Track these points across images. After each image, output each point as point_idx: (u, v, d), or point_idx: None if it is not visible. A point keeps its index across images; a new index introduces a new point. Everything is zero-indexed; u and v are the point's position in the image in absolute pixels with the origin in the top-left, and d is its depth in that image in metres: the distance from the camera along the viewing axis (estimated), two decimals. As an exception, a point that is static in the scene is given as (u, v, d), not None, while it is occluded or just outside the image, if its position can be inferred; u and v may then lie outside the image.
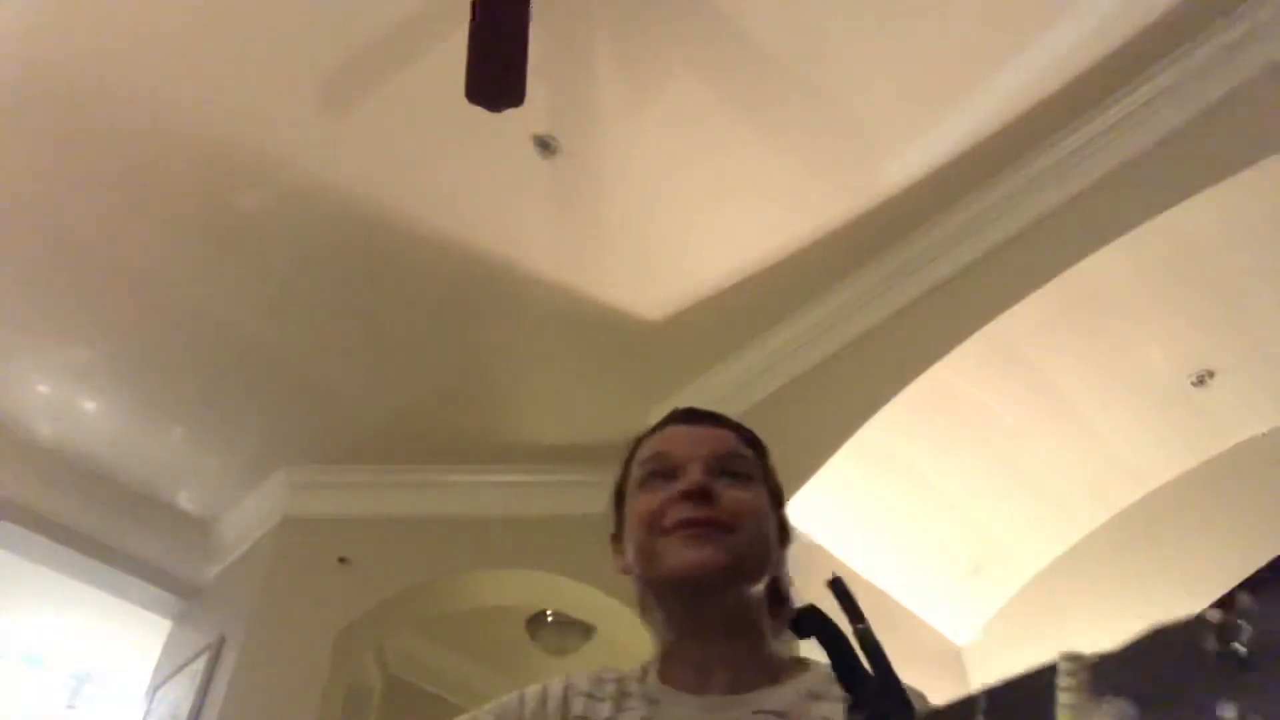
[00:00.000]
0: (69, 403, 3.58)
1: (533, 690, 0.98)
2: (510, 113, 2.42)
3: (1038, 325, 2.87)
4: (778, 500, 1.05)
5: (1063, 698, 0.35)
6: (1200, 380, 3.05)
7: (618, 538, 1.05)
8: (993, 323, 2.85)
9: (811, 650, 0.53)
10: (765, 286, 3.21)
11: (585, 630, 4.00)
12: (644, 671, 0.98)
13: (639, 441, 1.08)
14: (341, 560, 3.61)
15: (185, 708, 3.43)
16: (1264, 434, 3.18)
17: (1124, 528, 3.41)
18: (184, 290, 3.21)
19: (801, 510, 3.07)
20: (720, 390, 3.46)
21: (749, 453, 1.04)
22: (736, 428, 1.08)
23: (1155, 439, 3.24)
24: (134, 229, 3.04)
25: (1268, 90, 2.53)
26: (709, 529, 0.93)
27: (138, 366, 3.46)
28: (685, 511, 0.94)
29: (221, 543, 4.04)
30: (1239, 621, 0.32)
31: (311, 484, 3.80)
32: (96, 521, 3.81)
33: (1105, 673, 0.35)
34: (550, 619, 4.04)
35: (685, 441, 1.02)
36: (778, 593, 1.00)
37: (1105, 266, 2.73)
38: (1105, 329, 2.93)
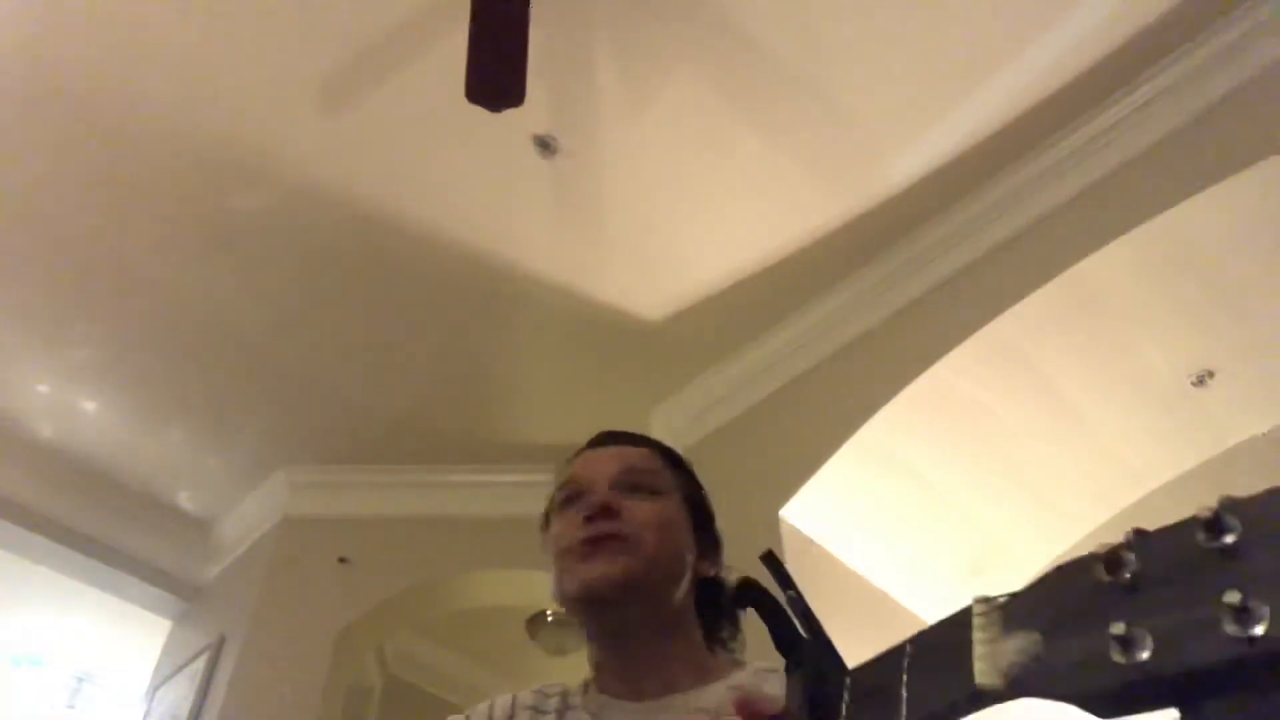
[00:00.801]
0: (69, 403, 3.58)
1: (479, 708, 1.02)
2: (510, 113, 2.42)
3: (1038, 325, 2.87)
4: (701, 512, 1.07)
5: (977, 635, 0.39)
6: (1200, 380, 3.05)
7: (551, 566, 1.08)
8: (993, 323, 2.85)
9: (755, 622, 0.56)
10: (765, 286, 3.22)
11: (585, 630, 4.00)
12: (585, 686, 1.02)
13: (562, 471, 1.11)
14: (341, 560, 3.62)
15: (185, 708, 3.43)
16: (1264, 434, 3.18)
17: (1124, 528, 3.38)
18: (184, 290, 3.21)
19: (801, 510, 3.07)
20: (720, 390, 3.47)
21: (659, 466, 1.07)
22: (648, 443, 1.11)
23: (1155, 439, 3.24)
24: (134, 229, 3.04)
25: (1268, 90, 2.53)
26: (602, 543, 0.96)
27: (138, 366, 3.46)
28: (585, 530, 0.97)
29: (221, 543, 4.04)
30: (1124, 554, 0.36)
31: (311, 484, 3.80)
32: (96, 521, 3.81)
33: (1013, 610, 0.39)
34: (550, 619, 4.04)
35: (594, 463, 1.06)
36: (710, 597, 1.02)
37: (1105, 266, 2.73)
38: (1105, 329, 2.92)
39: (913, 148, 2.88)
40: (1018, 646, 0.37)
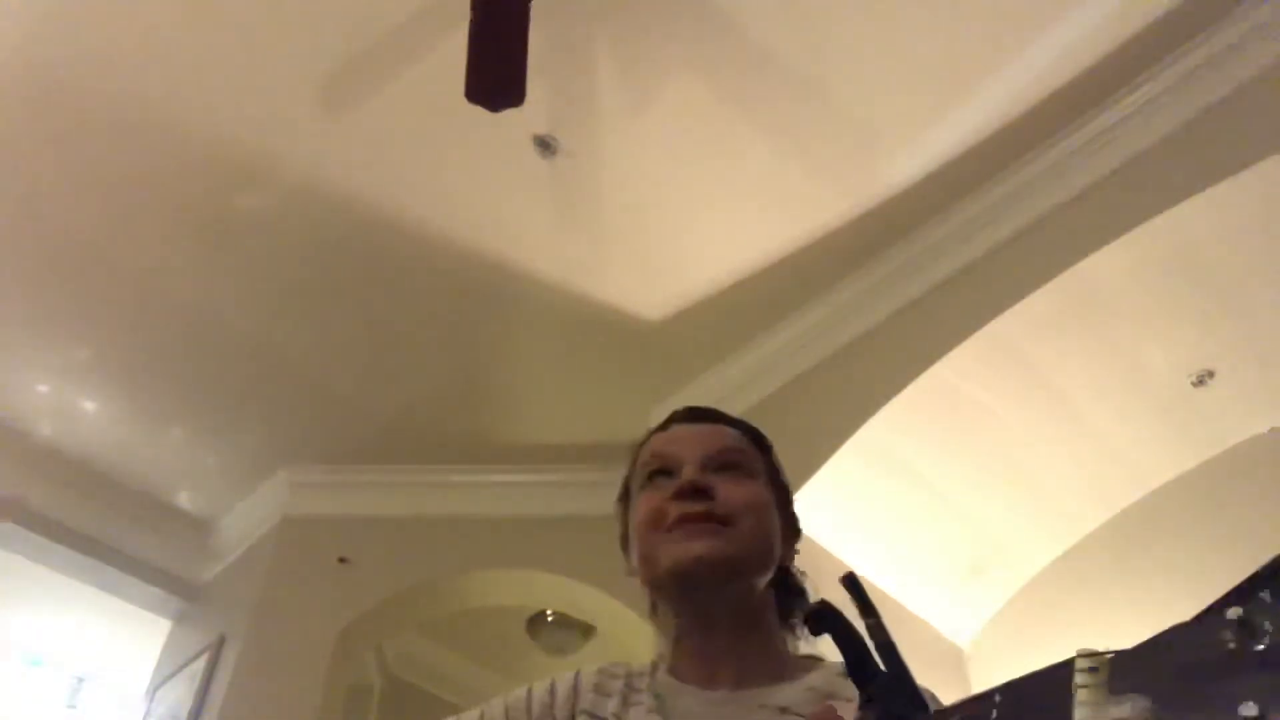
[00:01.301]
0: (69, 403, 3.58)
1: (541, 685, 0.98)
2: (510, 113, 2.42)
3: (1038, 325, 2.87)
4: (784, 496, 1.05)
5: (1080, 694, 0.35)
6: (1200, 380, 3.05)
7: (625, 540, 1.05)
8: (993, 322, 2.85)
9: (826, 648, 0.53)
10: (765, 286, 3.21)
11: (585, 630, 4.00)
12: (653, 666, 0.99)
13: (641, 445, 1.08)
14: (341, 560, 3.61)
15: (185, 708, 3.43)
16: (1264, 434, 3.18)
17: (1124, 528, 3.41)
18: (184, 290, 3.21)
19: (801, 510, 3.07)
20: (720, 390, 3.46)
21: (750, 448, 1.04)
22: (737, 424, 1.08)
23: (1155, 439, 3.24)
24: (134, 229, 3.04)
25: (1268, 90, 2.53)
26: (705, 523, 0.93)
27: (138, 366, 3.46)
28: (684, 507, 0.94)
29: (221, 543, 4.04)
30: (1259, 619, 0.32)
31: (311, 484, 3.80)
32: (96, 521, 3.81)
33: (1123, 669, 0.35)
34: (550, 619, 4.04)
35: (684, 440, 1.03)
36: (788, 588, 1.01)
37: (1105, 266, 2.73)
38: (1105, 329, 2.93)
39: (913, 148, 2.88)
40: (1125, 713, 0.33)
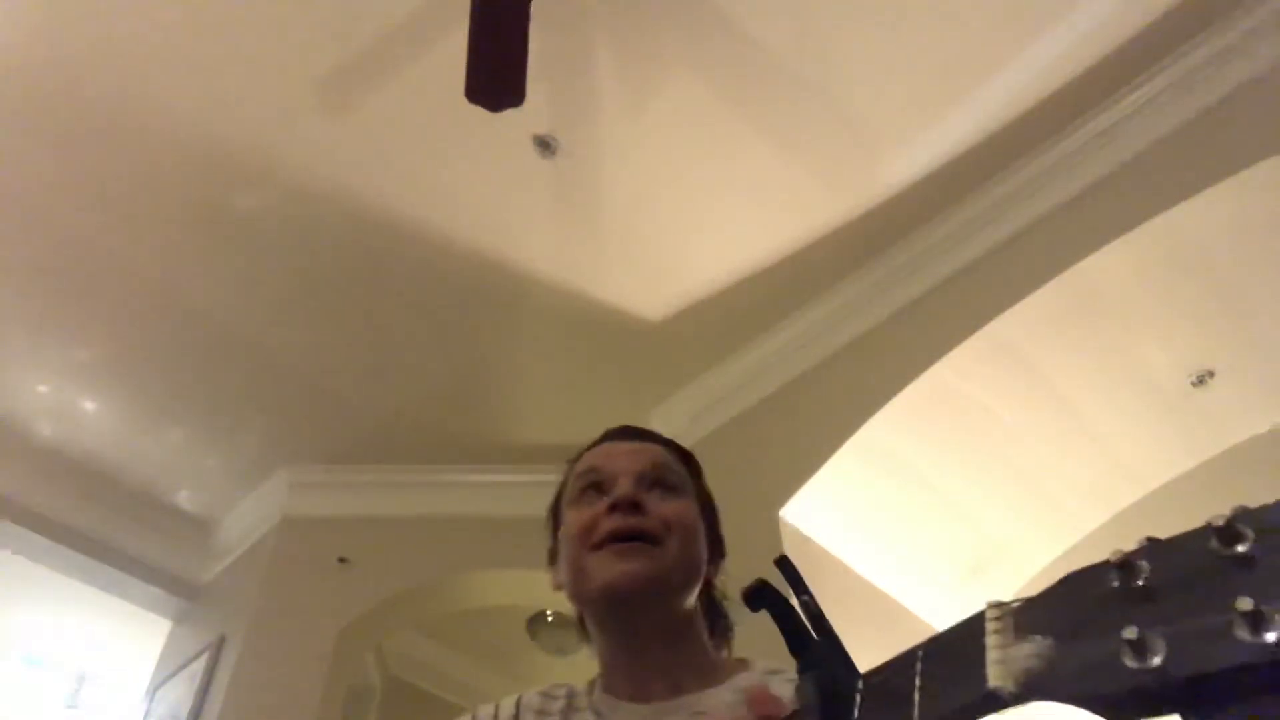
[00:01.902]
0: (69, 403, 3.58)
1: (485, 709, 1.01)
2: (510, 113, 2.42)
3: (1038, 325, 2.87)
4: (711, 516, 1.08)
5: (991, 640, 0.39)
6: (1200, 380, 3.05)
7: (553, 555, 1.08)
8: (993, 322, 2.85)
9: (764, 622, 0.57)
10: (765, 286, 3.22)
11: (585, 630, 4.00)
12: (590, 685, 1.01)
13: (574, 461, 1.11)
14: (341, 560, 3.62)
15: (185, 708, 3.43)
16: (1264, 434, 3.18)
17: (1124, 528, 3.41)
18: (184, 290, 3.21)
19: (801, 510, 3.08)
20: (720, 390, 3.47)
21: (680, 467, 1.08)
22: (667, 443, 1.11)
23: (1155, 439, 3.24)
24: (134, 229, 3.04)
25: (1268, 90, 2.54)
26: (636, 543, 0.95)
27: (138, 366, 3.46)
28: (614, 522, 0.96)
29: (221, 543, 4.04)
30: (1137, 560, 0.37)
31: (311, 484, 3.80)
32: (96, 521, 3.81)
33: (1027, 614, 0.40)
34: (550, 619, 4.04)
35: (618, 456, 1.06)
36: (713, 600, 1.04)
37: (1105, 266, 2.73)
38: (1105, 329, 2.93)
39: (913, 148, 2.88)
40: (1031, 651, 0.38)
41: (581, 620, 1.04)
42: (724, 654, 1.03)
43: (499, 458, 3.75)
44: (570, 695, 1.00)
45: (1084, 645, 0.36)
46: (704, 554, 1.02)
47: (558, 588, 1.04)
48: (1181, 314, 2.90)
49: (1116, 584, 0.37)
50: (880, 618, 3.31)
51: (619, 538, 0.96)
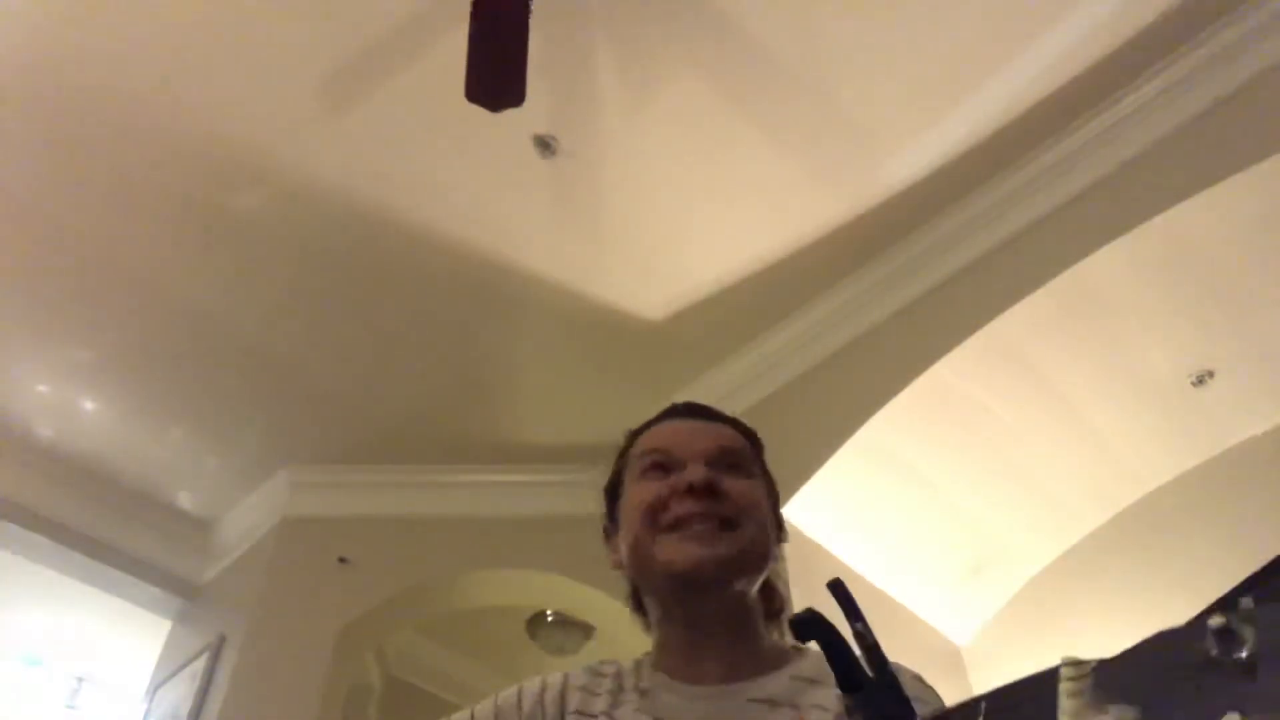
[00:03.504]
0: (69, 403, 3.58)
1: (531, 684, 0.98)
2: (510, 113, 2.42)
3: (1038, 325, 2.87)
4: (774, 497, 1.05)
5: (1064, 704, 0.35)
6: (1200, 380, 3.05)
7: (609, 532, 1.05)
8: (993, 323, 2.85)
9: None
10: (765, 286, 3.22)
11: (585, 630, 4.00)
12: (640, 663, 0.98)
13: (635, 435, 1.07)
14: (341, 560, 3.61)
15: (185, 708, 3.43)
16: (1264, 434, 3.18)
17: (1124, 528, 3.41)
18: (184, 290, 3.21)
19: (801, 510, 3.07)
20: (720, 390, 3.46)
21: (747, 448, 1.04)
22: (735, 424, 1.08)
23: (1155, 439, 3.24)
24: (134, 229, 3.04)
25: (1267, 90, 2.53)
26: (713, 525, 0.93)
27: (138, 366, 3.46)
28: (690, 506, 0.94)
29: (221, 543, 4.04)
30: (1241, 627, 0.32)
31: (311, 484, 3.80)
32: (96, 521, 3.80)
33: (1107, 678, 0.35)
34: (550, 619, 4.04)
35: (687, 435, 1.02)
36: (771, 585, 1.00)
37: (1105, 266, 2.73)
38: (1105, 329, 2.93)
39: (913, 148, 2.88)
40: (1111, 718, 0.34)
41: (636, 598, 1.01)
42: (776, 636, 1.00)
43: (499, 458, 3.75)
44: (618, 673, 0.97)
45: None
46: (773, 537, 0.99)
47: (616, 566, 1.01)
48: (1181, 314, 2.90)
49: (1215, 652, 0.32)
50: (880, 618, 3.29)
51: (694, 520, 0.93)
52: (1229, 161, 2.52)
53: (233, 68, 2.67)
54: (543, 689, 0.97)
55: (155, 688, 3.81)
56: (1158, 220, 2.61)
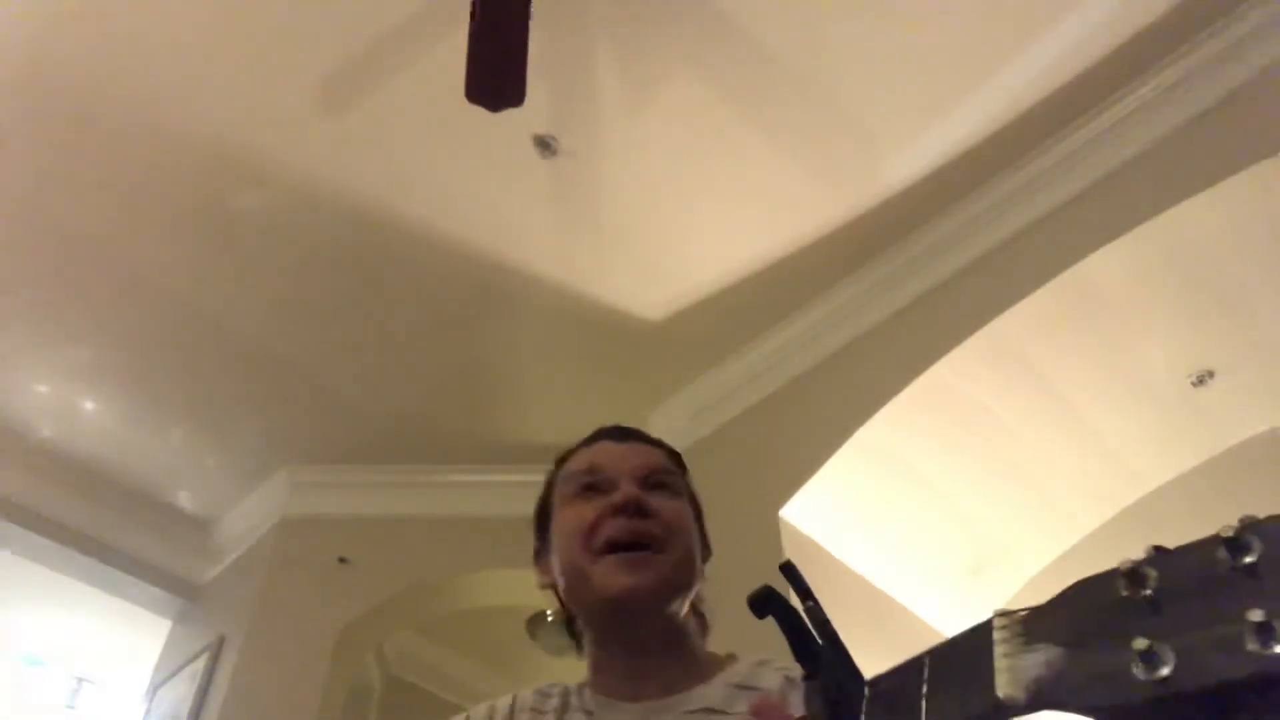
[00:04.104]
0: (69, 403, 3.58)
1: (480, 708, 1.01)
2: (510, 113, 2.42)
3: (1038, 325, 2.87)
4: (699, 515, 1.08)
5: (999, 649, 0.39)
6: (1200, 380, 3.05)
7: (540, 553, 1.07)
8: (993, 323, 2.85)
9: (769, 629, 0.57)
10: (765, 286, 3.22)
11: (573, 631, 4.00)
12: (581, 686, 1.01)
13: (564, 458, 1.10)
14: (341, 560, 3.62)
15: (185, 708, 3.43)
16: (1264, 434, 3.18)
17: (1124, 528, 3.41)
18: (184, 290, 3.21)
19: (801, 510, 3.08)
20: (720, 390, 3.47)
21: (675, 470, 1.08)
22: (661, 445, 1.11)
23: (1155, 439, 3.25)
24: (134, 229, 3.04)
25: (1267, 90, 2.54)
26: (642, 553, 0.95)
27: (138, 366, 3.46)
28: (619, 525, 0.96)
29: (221, 543, 4.04)
30: (1145, 569, 0.36)
31: (311, 484, 3.80)
32: (96, 521, 3.81)
33: (1035, 623, 0.39)
34: (550, 619, 4.04)
35: (617, 456, 1.05)
36: (699, 600, 1.03)
37: (1105, 266, 2.73)
38: (1105, 329, 2.93)
39: (913, 148, 2.88)
40: (1039, 660, 0.37)
41: (569, 621, 1.03)
42: (705, 648, 1.03)
43: (499, 458, 3.75)
44: (564, 694, 1.00)
45: (1093, 655, 0.36)
46: (699, 556, 1.02)
47: (544, 587, 1.04)
48: (1181, 314, 2.90)
49: (1125, 593, 0.37)
50: (880, 618, 3.31)
51: (624, 544, 0.95)
52: (1229, 161, 2.52)
53: (233, 68, 2.67)
54: (491, 712, 1.00)
55: (155, 688, 3.82)
56: (1158, 220, 2.61)
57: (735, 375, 3.45)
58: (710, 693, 0.92)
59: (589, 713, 0.95)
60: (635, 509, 0.96)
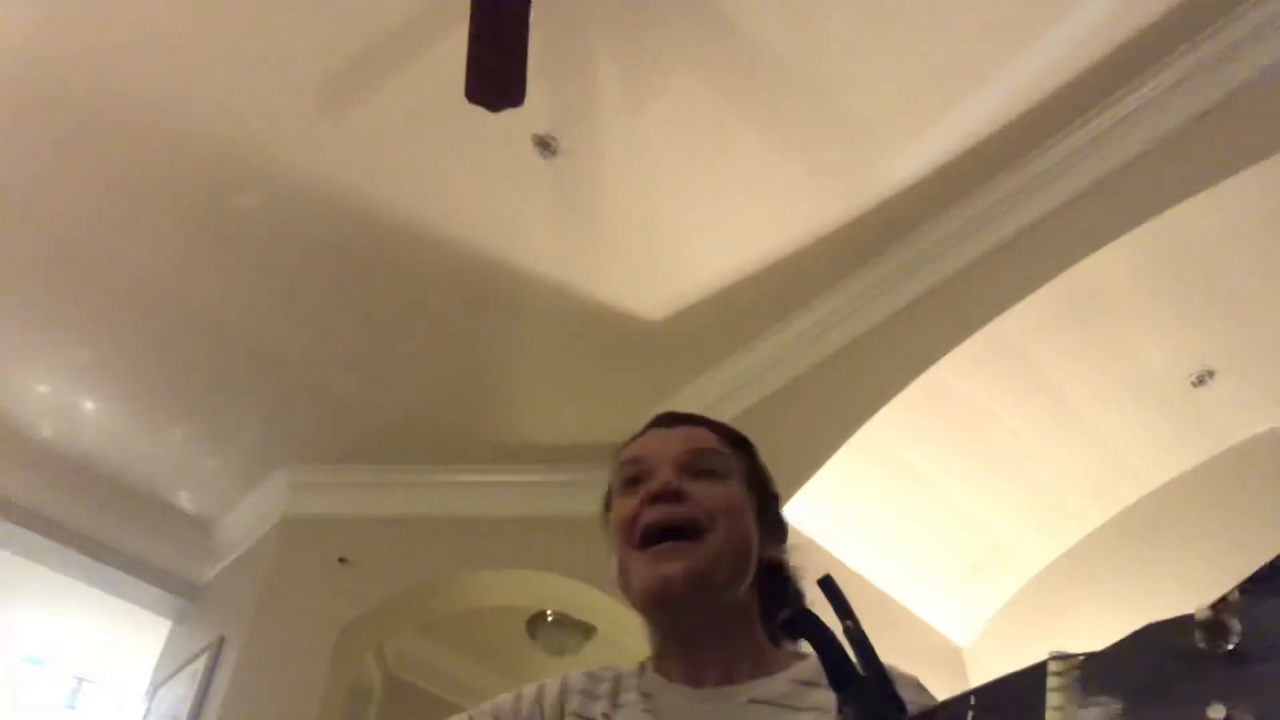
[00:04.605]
0: (69, 403, 3.58)
1: (530, 688, 0.99)
2: (510, 113, 2.42)
3: (1038, 325, 2.87)
4: (765, 496, 1.05)
5: (1052, 698, 0.35)
6: (1200, 380, 3.05)
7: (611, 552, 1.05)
8: (993, 323, 2.85)
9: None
10: (765, 286, 3.21)
11: (585, 630, 4.00)
12: (641, 667, 0.99)
13: (621, 450, 1.07)
14: (341, 560, 3.61)
15: (185, 708, 3.43)
16: (1264, 434, 3.18)
17: (1124, 528, 3.41)
18: (184, 290, 3.21)
19: (801, 510, 3.07)
20: (720, 390, 3.46)
21: (724, 449, 1.04)
22: (715, 426, 1.08)
23: (1155, 439, 3.24)
24: (134, 229, 3.04)
25: (1267, 90, 2.53)
26: (675, 542, 0.93)
27: (138, 366, 3.46)
28: (652, 514, 0.94)
29: (221, 543, 4.04)
30: (1228, 619, 0.32)
31: (311, 484, 3.80)
32: (96, 521, 3.81)
33: (1094, 671, 0.35)
34: (550, 619, 4.04)
35: (658, 444, 1.02)
36: (774, 584, 1.00)
37: (1105, 266, 2.73)
38: (1105, 329, 2.93)
39: (913, 148, 2.88)
40: (1097, 715, 0.33)
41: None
42: (789, 641, 0.99)
43: (499, 458, 3.75)
44: (617, 677, 0.98)
45: (1160, 715, 0.32)
46: (754, 538, 0.98)
47: (616, 584, 1.01)
48: (1181, 314, 2.90)
49: (1203, 645, 0.32)
50: (880, 618, 3.31)
51: (657, 532, 0.93)
52: (1229, 161, 2.51)
53: (233, 68, 2.67)
54: (541, 692, 0.97)
55: (155, 688, 3.82)
56: (1158, 220, 2.61)
57: (735, 375, 3.45)
58: (773, 686, 0.90)
59: (647, 694, 0.93)
60: (669, 496, 0.94)
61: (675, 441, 1.02)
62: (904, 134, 2.85)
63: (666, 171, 2.91)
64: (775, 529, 1.04)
